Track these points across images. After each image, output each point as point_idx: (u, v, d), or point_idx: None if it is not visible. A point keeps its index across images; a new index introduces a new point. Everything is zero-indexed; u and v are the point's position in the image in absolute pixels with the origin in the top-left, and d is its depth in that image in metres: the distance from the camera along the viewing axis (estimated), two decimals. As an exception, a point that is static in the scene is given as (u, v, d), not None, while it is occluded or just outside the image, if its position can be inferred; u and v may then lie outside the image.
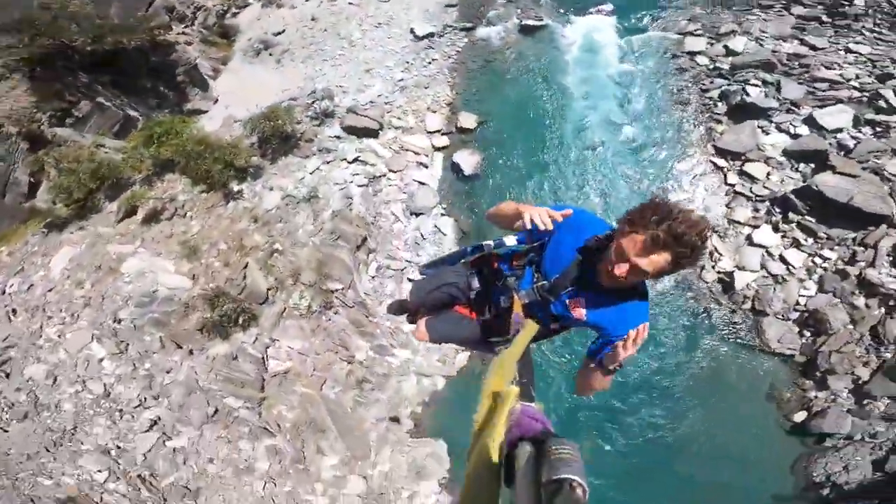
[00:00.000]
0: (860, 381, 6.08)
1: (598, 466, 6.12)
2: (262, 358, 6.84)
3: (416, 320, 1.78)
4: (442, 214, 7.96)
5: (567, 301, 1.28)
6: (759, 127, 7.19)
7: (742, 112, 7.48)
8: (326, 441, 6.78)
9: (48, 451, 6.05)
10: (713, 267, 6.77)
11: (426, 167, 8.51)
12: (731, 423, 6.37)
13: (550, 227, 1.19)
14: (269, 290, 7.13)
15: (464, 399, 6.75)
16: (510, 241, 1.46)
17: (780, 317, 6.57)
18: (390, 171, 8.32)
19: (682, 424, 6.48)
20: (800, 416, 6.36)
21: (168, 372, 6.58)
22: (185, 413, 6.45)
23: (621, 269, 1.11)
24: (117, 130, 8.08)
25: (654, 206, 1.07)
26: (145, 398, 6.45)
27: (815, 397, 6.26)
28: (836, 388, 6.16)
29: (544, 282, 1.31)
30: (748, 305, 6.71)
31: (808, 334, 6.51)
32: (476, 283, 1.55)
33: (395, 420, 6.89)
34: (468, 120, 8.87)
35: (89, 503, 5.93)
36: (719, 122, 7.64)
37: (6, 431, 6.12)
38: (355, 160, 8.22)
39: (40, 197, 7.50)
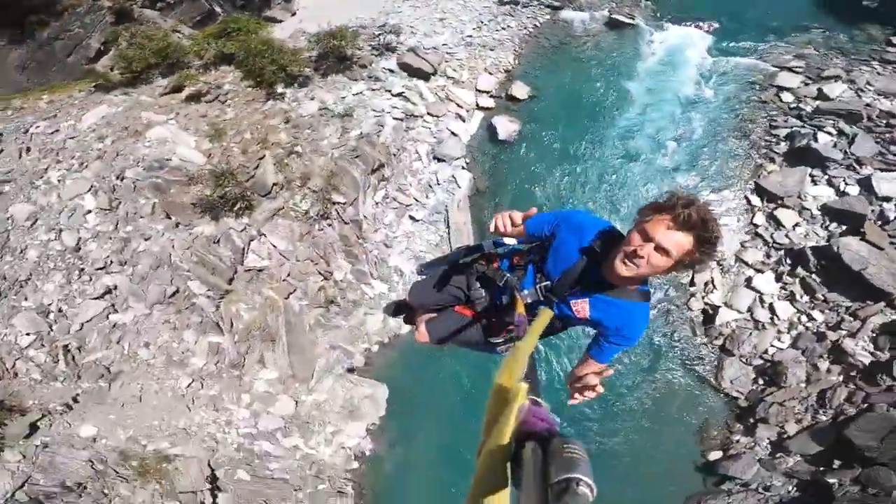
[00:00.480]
0: (784, 436, 6.67)
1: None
2: (243, 249, 7.90)
3: (415, 321, 1.97)
4: (462, 167, 9.02)
5: (571, 301, 1.41)
6: (810, 175, 7.58)
7: (800, 156, 7.86)
8: (272, 353, 7.78)
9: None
10: (703, 297, 7.33)
11: (463, 121, 9.58)
12: (653, 449, 7.07)
13: (509, 229, 1.40)
14: (275, 185, 8.39)
15: (421, 354, 7.75)
16: (510, 240, 1.60)
17: (744, 360, 7.15)
18: (428, 114, 9.46)
19: (610, 441, 7.15)
20: (714, 455, 7.10)
21: (146, 239, 7.25)
22: (144, 287, 7.07)
23: (645, 251, 1.20)
24: (197, 21, 9.86)
25: (679, 194, 1.21)
26: (111, 262, 7.07)
27: (737, 441, 6.94)
28: (759, 436, 6.81)
29: (547, 282, 1.44)
30: (720, 342, 7.30)
31: (761, 382, 7.07)
32: (476, 284, 1.65)
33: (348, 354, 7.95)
34: (521, 90, 9.81)
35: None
36: (772, 160, 8.08)
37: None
38: (399, 95, 9.43)
39: (102, 63, 9.24)
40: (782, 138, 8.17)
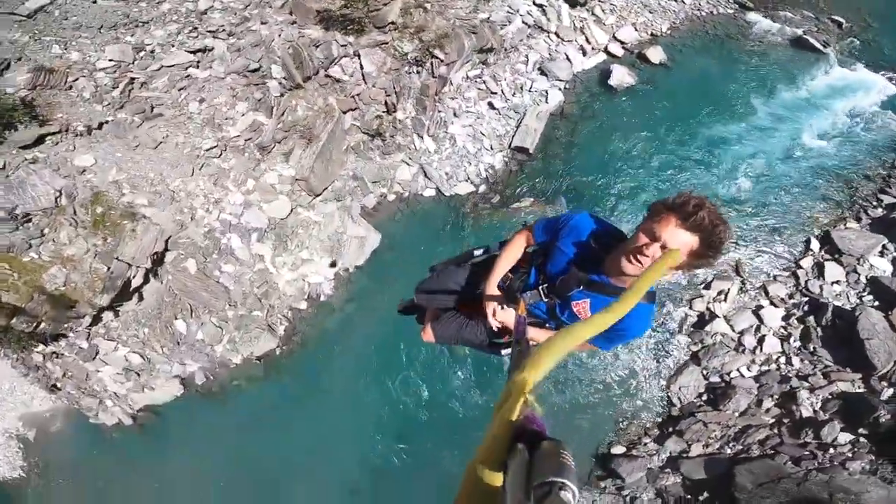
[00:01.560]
0: (684, 454, 8.52)
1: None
2: (334, 59, 10.87)
3: (425, 319, 2.70)
4: (559, 89, 11.46)
5: (573, 301, 1.83)
6: (883, 245, 9.05)
7: (886, 226, 9.30)
8: (301, 151, 10.62)
9: (101, 29, 9.04)
10: (709, 302, 9.19)
11: (584, 55, 12.03)
12: (570, 421, 9.26)
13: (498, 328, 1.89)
14: (392, 23, 11.38)
15: (430, 227, 10.21)
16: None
17: (704, 373, 8.94)
18: (556, 33, 12.05)
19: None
20: (618, 450, 9.15)
21: (263, 23, 9.94)
22: (234, 56, 9.86)
23: (651, 250, 1.55)
24: None
25: (689, 195, 1.56)
26: (223, 29, 9.60)
27: (645, 444, 8.87)
28: (666, 446, 8.69)
29: (548, 283, 1.90)
30: (695, 348, 9.14)
31: (704, 398, 8.85)
32: (483, 285, 2.16)
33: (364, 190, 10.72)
34: (656, 55, 12.02)
35: (61, 78, 8.64)
36: (859, 219, 9.60)
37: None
38: (539, 6, 12.07)
39: None
40: (884, 205, 9.59)
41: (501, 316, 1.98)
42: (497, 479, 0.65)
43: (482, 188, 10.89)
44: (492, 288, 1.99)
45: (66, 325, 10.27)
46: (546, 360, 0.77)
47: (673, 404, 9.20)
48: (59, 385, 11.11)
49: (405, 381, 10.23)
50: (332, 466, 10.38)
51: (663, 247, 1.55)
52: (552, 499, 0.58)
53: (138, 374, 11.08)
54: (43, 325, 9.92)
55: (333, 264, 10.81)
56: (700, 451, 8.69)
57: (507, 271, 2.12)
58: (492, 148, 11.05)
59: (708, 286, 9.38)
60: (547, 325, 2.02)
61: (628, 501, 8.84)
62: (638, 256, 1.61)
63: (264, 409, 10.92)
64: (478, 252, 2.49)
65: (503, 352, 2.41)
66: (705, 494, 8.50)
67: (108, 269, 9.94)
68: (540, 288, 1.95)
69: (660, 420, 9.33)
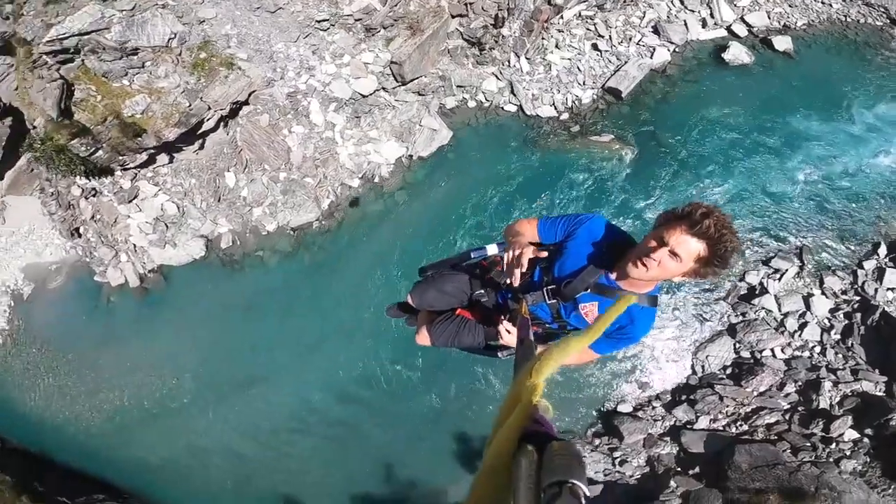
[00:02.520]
0: (689, 425, 10.61)
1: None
2: None
3: (419, 322, 3.36)
4: (668, 50, 13.85)
5: (581, 304, 2.32)
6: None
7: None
8: (402, 40, 13.38)
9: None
10: (763, 278, 11.18)
11: (703, 27, 14.38)
12: (593, 368, 11.24)
13: (515, 281, 2.17)
14: None
15: (501, 145, 12.74)
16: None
17: (736, 345, 10.98)
18: (686, 7, 14.42)
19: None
20: (625, 408, 11.28)
21: None
22: None
23: (658, 254, 1.99)
24: None
25: (699, 204, 1.99)
26: None
27: (654, 407, 11.05)
28: (673, 414, 10.76)
29: (553, 285, 2.35)
30: (735, 320, 11.20)
31: (727, 372, 10.87)
32: (479, 287, 2.79)
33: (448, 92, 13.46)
34: (782, 44, 14.26)
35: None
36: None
37: None
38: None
39: None
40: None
41: (509, 338, 2.44)
42: (507, 480, 0.82)
43: (564, 116, 13.35)
44: (514, 249, 2.26)
45: (120, 158, 13.30)
46: (549, 367, 1.04)
47: (694, 372, 11.25)
48: (81, 230, 14.26)
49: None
50: (327, 360, 12.77)
51: (671, 252, 1.98)
52: (563, 499, 0.72)
53: (167, 227, 14.04)
54: (100, 152, 12.99)
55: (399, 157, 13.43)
56: (706, 424, 10.71)
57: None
58: (584, 83, 13.51)
59: (767, 262, 11.33)
60: (548, 325, 2.51)
61: (617, 463, 10.90)
62: (644, 260, 2.04)
63: (278, 286, 13.63)
64: (474, 253, 2.94)
65: (500, 354, 2.92)
66: (696, 469, 10.43)
67: (190, 105, 12.95)
68: (544, 289, 2.38)
69: (675, 386, 11.37)
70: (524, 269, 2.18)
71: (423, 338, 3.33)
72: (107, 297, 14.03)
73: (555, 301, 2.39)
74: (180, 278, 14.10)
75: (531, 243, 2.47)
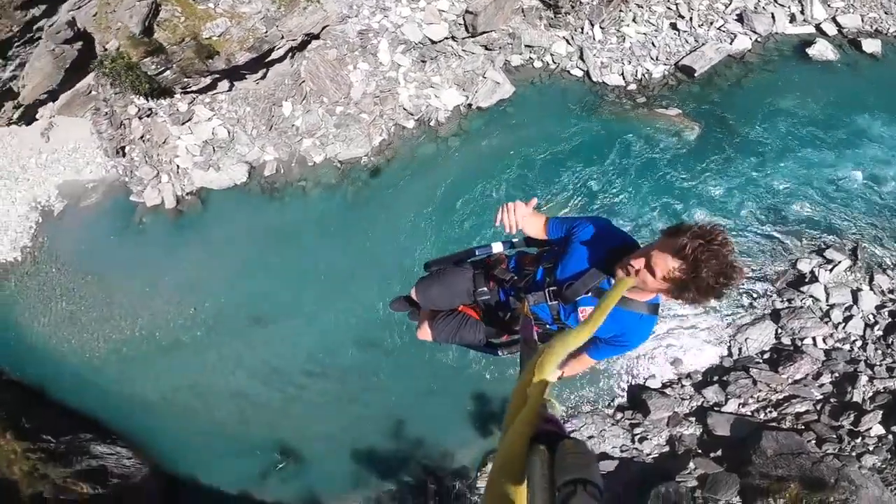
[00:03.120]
0: (717, 407, 11.89)
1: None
2: None
3: (421, 317, 3.86)
4: (750, 39, 15.43)
5: (580, 307, 2.65)
6: None
7: None
8: None
9: None
10: (816, 267, 12.45)
11: (790, 21, 15.90)
12: None
13: (514, 229, 2.61)
14: None
15: (564, 113, 14.59)
16: (520, 242, 3.08)
17: (778, 331, 12.33)
18: (776, 1, 16.04)
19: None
20: (653, 383, 12.69)
21: None
22: None
23: (638, 263, 2.29)
24: None
25: (703, 226, 2.18)
26: None
27: (682, 386, 12.43)
28: (703, 394, 12.15)
29: (555, 286, 2.69)
30: (780, 305, 12.57)
31: (764, 357, 12.18)
32: (483, 285, 3.17)
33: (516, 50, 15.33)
34: (871, 46, 15.71)
35: None
36: None
37: None
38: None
39: None
40: None
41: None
42: (520, 481, 0.92)
43: (632, 86, 15.02)
44: (520, 203, 2.83)
45: (185, 80, 15.52)
46: (552, 363, 1.19)
47: (730, 353, 12.52)
48: (126, 150, 16.48)
49: (459, 237, 14.11)
50: (353, 301, 14.34)
51: (647, 264, 2.28)
52: (578, 497, 0.81)
53: (214, 150, 16.13)
54: (168, 73, 15.24)
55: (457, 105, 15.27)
56: (734, 408, 11.92)
57: (512, 273, 3.10)
58: (656, 59, 15.15)
59: (821, 252, 12.57)
60: (548, 326, 2.84)
61: (636, 440, 12.09)
62: (627, 266, 2.37)
63: (316, 218, 15.41)
64: (479, 251, 3.33)
65: (500, 352, 3.25)
66: (718, 453, 11.60)
67: (266, 31, 15.13)
68: (546, 290, 2.73)
69: (708, 366, 12.63)
70: (516, 219, 2.75)
71: (425, 333, 3.78)
72: (140, 217, 15.95)
73: (556, 302, 2.73)
74: (217, 203, 16.00)
75: (533, 239, 3.02)
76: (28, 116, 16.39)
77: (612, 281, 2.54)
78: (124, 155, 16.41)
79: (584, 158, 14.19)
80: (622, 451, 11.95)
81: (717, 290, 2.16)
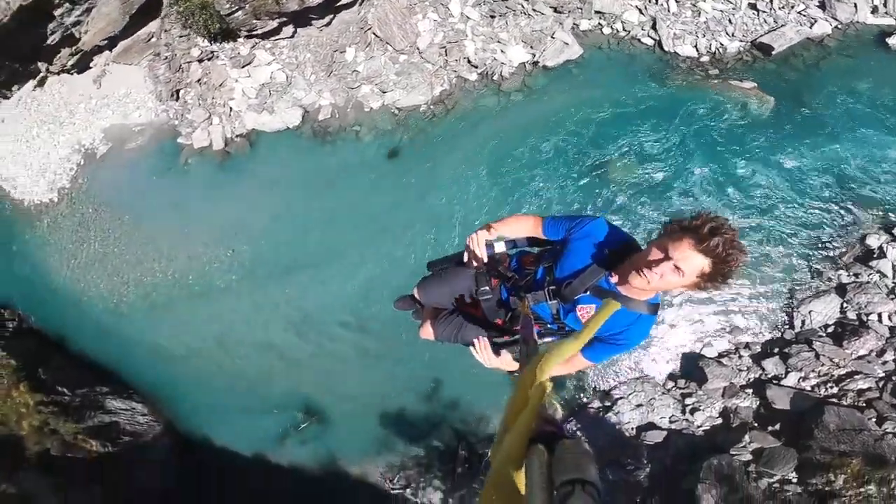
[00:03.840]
0: (776, 380, 11.69)
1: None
2: None
3: (423, 316, 3.99)
4: (830, 25, 15.26)
5: (579, 306, 2.69)
6: None
7: None
8: None
9: None
10: (884, 243, 11.98)
11: (872, 13, 15.69)
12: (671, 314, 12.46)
13: (477, 261, 2.80)
14: None
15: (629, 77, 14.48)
16: (522, 242, 3.13)
17: (844, 305, 12.04)
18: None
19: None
20: (709, 352, 12.39)
21: None
22: None
23: (661, 267, 2.30)
24: None
25: (708, 216, 2.26)
26: None
27: (740, 356, 12.14)
28: (762, 366, 11.89)
29: (554, 286, 2.73)
30: (846, 280, 12.34)
31: (828, 330, 11.87)
32: (484, 284, 3.16)
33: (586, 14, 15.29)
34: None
35: None
36: None
37: None
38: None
39: None
40: None
41: (493, 362, 2.98)
42: (520, 481, 0.93)
43: (705, 58, 14.95)
44: (482, 232, 2.92)
45: (254, 22, 15.82)
46: (552, 365, 1.21)
47: (792, 326, 12.17)
48: (181, 93, 16.84)
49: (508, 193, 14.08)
50: (397, 250, 14.18)
51: (675, 266, 2.29)
52: (576, 497, 0.83)
53: (270, 94, 16.26)
54: (239, 13, 15.57)
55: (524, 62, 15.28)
56: (794, 382, 11.58)
57: (513, 272, 3.10)
58: (732, 35, 15.02)
59: (890, 229, 12.16)
60: (548, 325, 2.88)
61: (687, 411, 11.83)
62: (645, 271, 2.35)
63: (367, 163, 15.47)
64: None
65: (502, 352, 3.20)
66: (777, 426, 11.19)
67: None
68: (546, 289, 2.76)
69: (768, 337, 12.29)
70: (482, 252, 2.84)
71: (427, 332, 3.86)
72: (185, 158, 16.15)
73: (555, 301, 2.75)
74: (266, 145, 16.17)
75: (531, 238, 3.06)
76: (82, 64, 16.77)
77: (611, 280, 2.59)
78: (177, 98, 16.73)
79: (649, 122, 14.15)
80: (671, 422, 11.74)
81: (735, 272, 2.31)
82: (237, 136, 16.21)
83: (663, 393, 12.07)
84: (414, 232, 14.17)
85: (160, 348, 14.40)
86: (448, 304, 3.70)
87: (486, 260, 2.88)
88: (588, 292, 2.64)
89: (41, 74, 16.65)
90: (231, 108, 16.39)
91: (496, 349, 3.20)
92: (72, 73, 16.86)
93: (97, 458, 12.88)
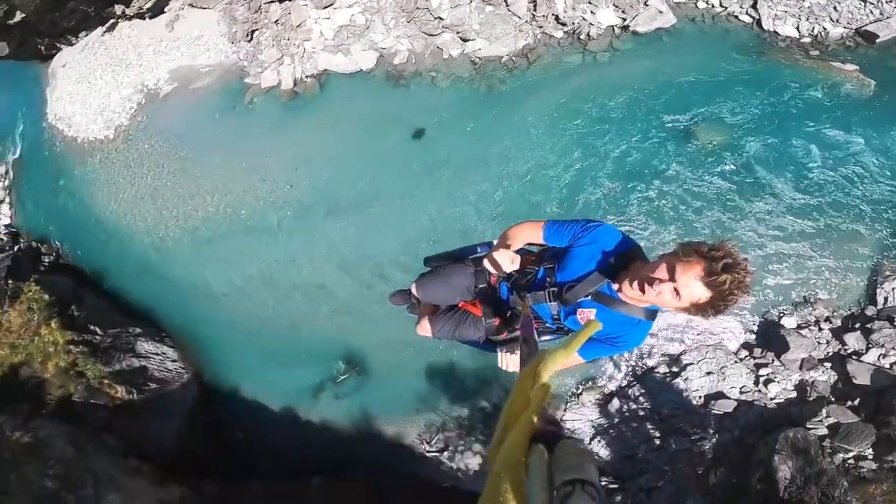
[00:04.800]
0: (856, 355, 11.16)
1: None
2: None
3: (420, 311, 4.03)
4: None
5: (579, 309, 2.73)
6: None
7: None
8: None
9: None
10: None
11: None
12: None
13: (511, 266, 2.71)
14: None
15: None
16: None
17: None
18: None
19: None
20: (789, 322, 11.94)
21: None
22: None
23: (662, 286, 2.33)
24: None
25: (729, 251, 2.27)
26: None
27: (820, 329, 11.74)
28: (843, 340, 11.45)
29: (555, 287, 2.80)
30: None
31: None
32: (483, 282, 3.32)
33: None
34: None
35: None
36: None
37: None
38: None
39: None
40: None
41: (512, 365, 3.06)
42: (520, 482, 0.94)
43: (806, 40, 14.62)
44: (495, 251, 2.78)
45: None
46: (551, 368, 1.24)
47: (874, 302, 11.71)
48: (256, 34, 17.18)
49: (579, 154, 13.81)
50: (462, 198, 13.95)
51: (675, 290, 2.31)
52: (576, 497, 0.84)
53: (347, 36, 16.32)
54: None
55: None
56: (874, 358, 11.09)
57: (513, 270, 3.03)
58: (836, 21, 14.68)
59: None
60: (547, 325, 2.94)
61: (761, 382, 11.42)
62: (645, 286, 2.39)
63: (439, 108, 15.45)
64: (480, 248, 3.52)
65: (500, 350, 3.30)
66: (855, 402, 10.71)
67: None
68: (547, 291, 2.81)
69: (848, 312, 11.86)
70: (513, 267, 2.75)
71: (424, 328, 3.88)
72: (251, 97, 16.45)
73: (555, 303, 2.79)
74: (336, 86, 16.34)
75: (531, 245, 3.07)
76: (157, 8, 17.50)
77: (613, 286, 2.62)
78: (251, 39, 17.10)
79: (741, 93, 13.92)
80: (741, 393, 11.40)
81: (729, 308, 2.33)
82: (307, 76, 16.44)
83: (736, 362, 11.72)
84: (483, 179, 14.04)
85: (200, 287, 14.42)
86: (446, 301, 3.72)
87: (516, 269, 2.83)
88: (590, 297, 2.68)
89: (112, 20, 17.46)
90: (305, 49, 16.52)
91: (493, 347, 3.35)
92: (145, 18, 17.57)
93: (118, 407, 12.64)
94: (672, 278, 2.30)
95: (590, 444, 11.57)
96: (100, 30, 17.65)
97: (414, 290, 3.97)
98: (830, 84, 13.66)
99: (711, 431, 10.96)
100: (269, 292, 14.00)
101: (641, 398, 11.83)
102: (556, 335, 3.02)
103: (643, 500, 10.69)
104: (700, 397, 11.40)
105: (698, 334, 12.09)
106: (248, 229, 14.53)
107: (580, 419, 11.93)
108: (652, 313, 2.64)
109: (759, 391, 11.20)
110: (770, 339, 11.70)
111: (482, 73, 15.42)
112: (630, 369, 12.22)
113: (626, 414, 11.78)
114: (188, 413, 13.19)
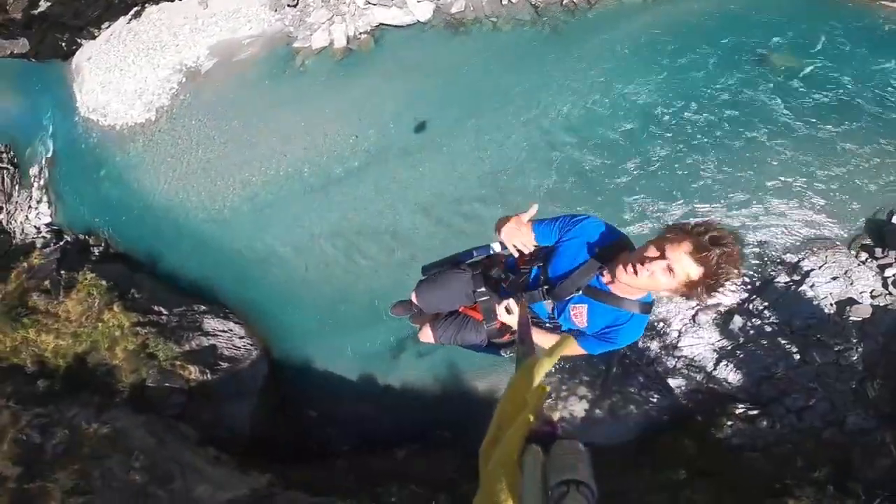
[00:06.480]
0: None
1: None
2: None
3: (422, 319, 4.16)
4: None
5: (571, 306, 2.83)
6: None
7: None
8: None
9: None
10: None
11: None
12: (849, 180, 12.79)
13: (530, 246, 2.78)
14: None
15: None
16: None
17: None
18: None
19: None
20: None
21: None
22: None
23: (654, 265, 2.41)
24: None
25: (716, 227, 2.37)
26: None
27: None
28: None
29: (547, 285, 2.89)
30: None
31: None
32: (482, 286, 3.36)
33: None
34: None
35: None
36: None
37: None
38: None
39: None
40: None
41: (507, 318, 3.07)
42: (515, 482, 0.95)
43: None
44: (520, 221, 2.86)
45: None
46: (546, 369, 1.23)
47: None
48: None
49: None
50: (529, 142, 14.40)
51: (668, 267, 2.42)
52: (570, 497, 0.86)
53: None
54: None
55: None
56: None
57: (511, 272, 3.28)
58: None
59: None
60: (546, 324, 3.04)
61: (889, 283, 11.34)
62: (638, 267, 2.48)
63: (500, 55, 15.71)
64: (476, 252, 3.58)
65: (503, 353, 3.44)
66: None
67: None
68: (541, 289, 2.94)
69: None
70: (532, 239, 2.85)
71: (426, 335, 4.00)
72: (302, 60, 16.18)
73: (550, 300, 2.90)
74: (392, 40, 16.24)
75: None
76: None
77: (602, 279, 2.74)
78: (296, 5, 16.62)
79: (789, 35, 14.56)
80: (872, 297, 11.27)
81: (722, 286, 2.43)
82: (361, 33, 16.23)
83: (859, 264, 11.62)
84: (548, 122, 14.34)
85: (263, 257, 14.15)
86: (446, 308, 3.85)
87: (535, 246, 2.93)
88: (580, 291, 2.78)
89: (136, 7, 17.01)
90: (357, 6, 16.32)
91: (496, 351, 3.48)
92: (174, 0, 17.04)
93: (192, 390, 12.26)
94: (663, 256, 2.41)
95: (715, 369, 11.42)
96: (123, 19, 17.10)
97: (414, 300, 4.06)
98: (877, 23, 14.29)
99: (854, 341, 10.57)
100: (337, 249, 13.81)
101: (766, 312, 11.52)
102: (554, 334, 3.06)
103: (793, 421, 10.32)
104: (831, 304, 11.10)
105: (809, 237, 12.19)
106: (313, 187, 14.36)
107: (699, 343, 11.68)
108: (646, 306, 2.73)
109: (890, 293, 11.02)
110: (886, 237, 11.64)
111: (544, 15, 15.60)
112: (746, 282, 12.01)
113: (752, 332, 11.45)
114: (259, 393, 12.77)
